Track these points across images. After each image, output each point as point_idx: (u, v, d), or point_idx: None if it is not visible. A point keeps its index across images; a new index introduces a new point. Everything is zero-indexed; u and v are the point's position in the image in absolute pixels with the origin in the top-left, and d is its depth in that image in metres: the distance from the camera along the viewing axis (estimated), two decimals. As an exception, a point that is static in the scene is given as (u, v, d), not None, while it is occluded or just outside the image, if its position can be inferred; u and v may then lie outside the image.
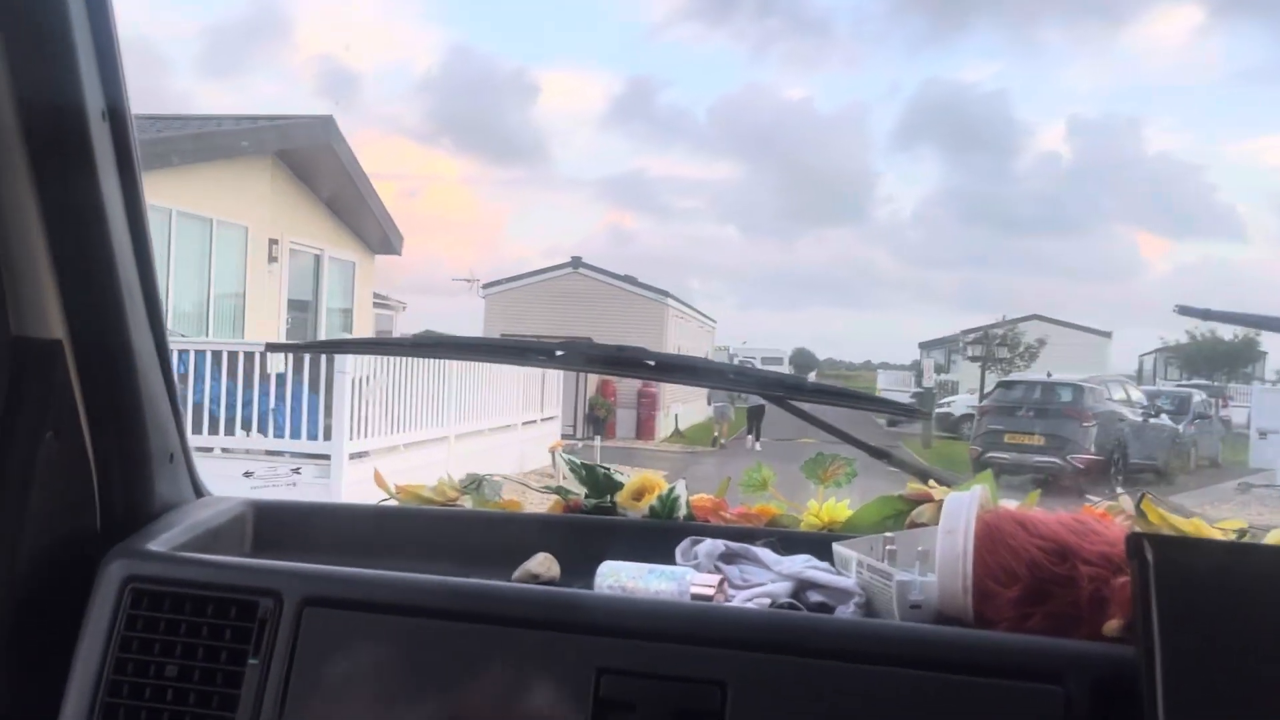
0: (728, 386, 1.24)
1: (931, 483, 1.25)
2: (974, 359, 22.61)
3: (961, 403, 22.70)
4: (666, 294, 23.08)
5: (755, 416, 17.36)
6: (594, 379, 18.28)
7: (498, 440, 11.48)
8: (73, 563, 1.06)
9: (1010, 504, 1.13)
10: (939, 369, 30.16)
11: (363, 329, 13.83)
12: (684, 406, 21.91)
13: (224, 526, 1.22)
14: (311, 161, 11.77)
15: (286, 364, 8.17)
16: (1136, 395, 15.51)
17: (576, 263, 23.24)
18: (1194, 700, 0.83)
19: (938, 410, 21.93)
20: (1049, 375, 15.95)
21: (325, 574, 1.05)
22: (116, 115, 1.03)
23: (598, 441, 12.32)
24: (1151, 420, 14.68)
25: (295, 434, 8.24)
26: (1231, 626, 0.86)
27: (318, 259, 12.77)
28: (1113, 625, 0.96)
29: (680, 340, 23.56)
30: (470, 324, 22.11)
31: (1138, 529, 1.09)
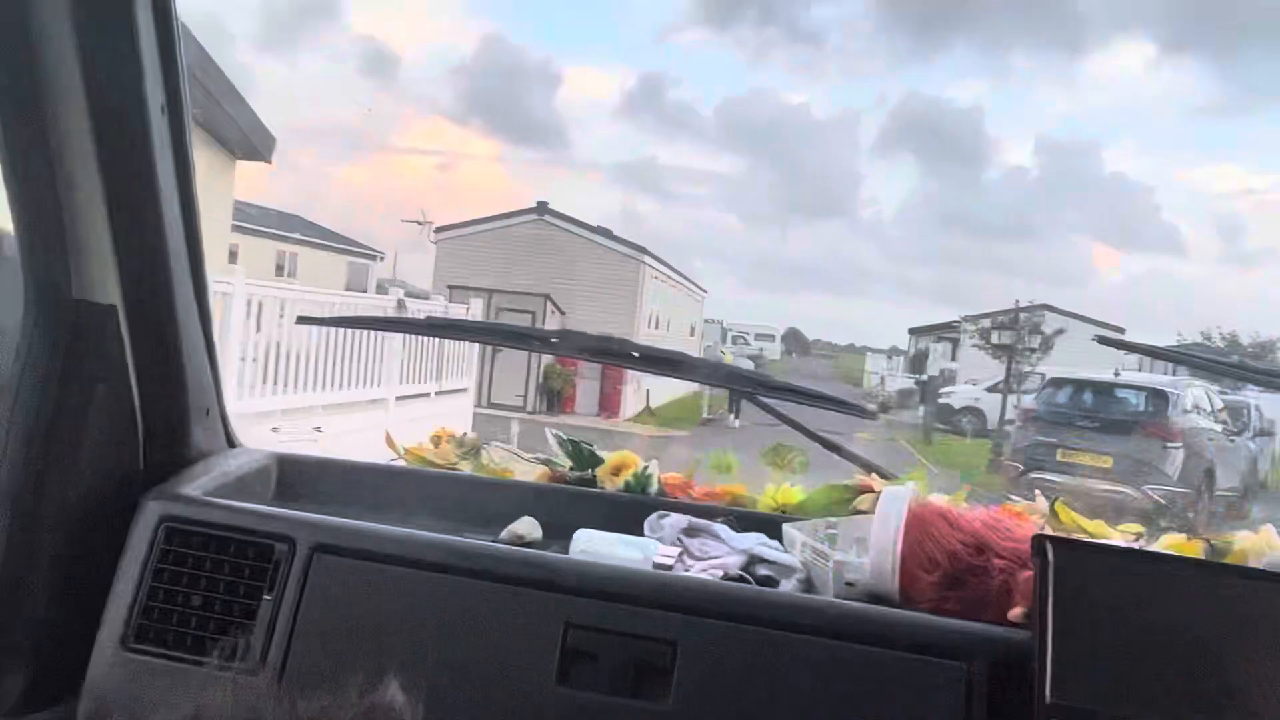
0: (703, 380, 1.29)
1: (874, 475, 1.31)
2: (991, 346, 19.20)
3: (963, 394, 19.47)
4: (644, 251, 19.29)
5: (737, 395, 15.58)
6: None
7: (350, 421, 7.55)
8: (116, 500, 1.11)
9: (939, 498, 1.19)
10: (920, 358, 27.61)
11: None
12: (657, 380, 17.70)
13: (251, 475, 1.27)
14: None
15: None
16: (1212, 403, 10.74)
17: (542, 209, 19.38)
18: (1075, 684, 0.90)
19: (940, 401, 18.98)
20: (1117, 373, 11.26)
21: (335, 525, 1.10)
22: (174, 108, 1.07)
23: (514, 428, 8.02)
24: (1236, 439, 10.48)
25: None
26: (1116, 622, 0.93)
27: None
28: (1016, 613, 1.03)
29: (661, 306, 20.35)
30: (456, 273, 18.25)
31: (1049, 529, 1.15)
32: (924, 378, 23.27)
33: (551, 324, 15.32)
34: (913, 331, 32.07)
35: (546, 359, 15.17)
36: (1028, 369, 17.26)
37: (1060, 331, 18.17)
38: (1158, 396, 10.23)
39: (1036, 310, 18.94)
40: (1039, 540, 0.96)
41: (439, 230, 19.63)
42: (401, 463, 1.43)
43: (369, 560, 1.06)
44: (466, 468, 1.40)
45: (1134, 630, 0.92)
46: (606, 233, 19.43)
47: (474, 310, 11.25)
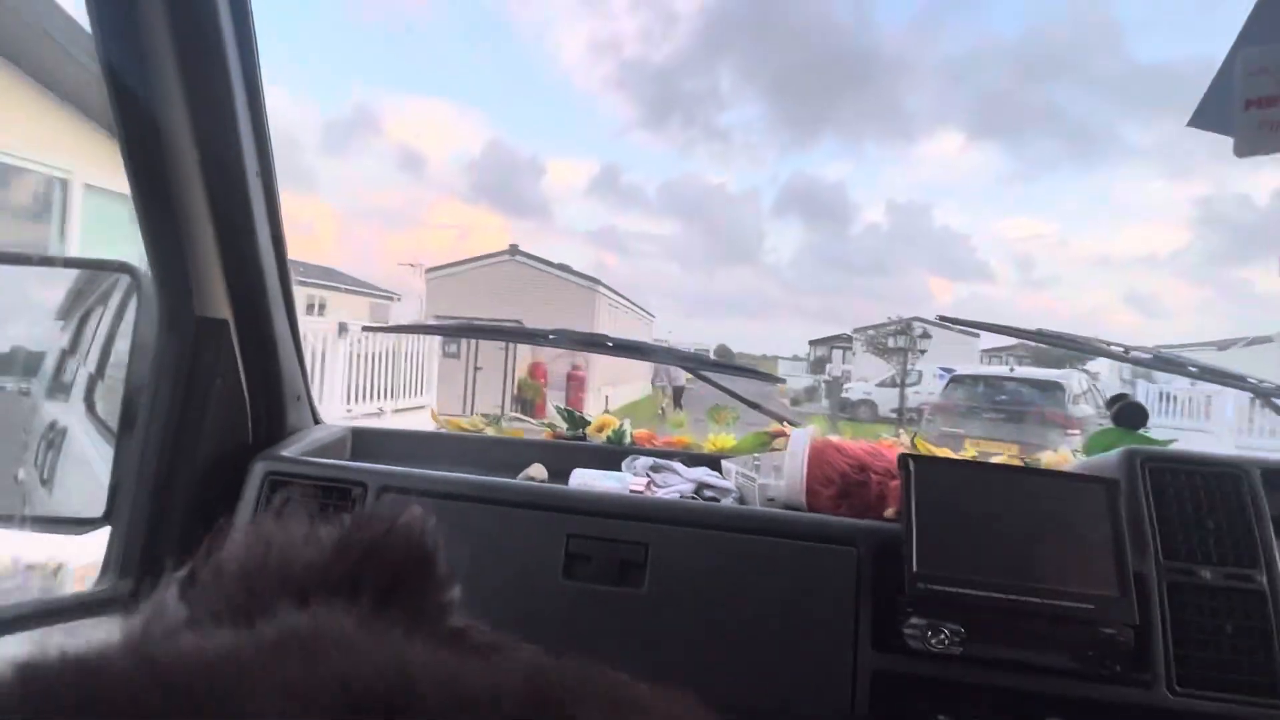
0: (662, 360, 1.31)
1: (785, 424, 1.33)
2: (887, 350, 18.55)
3: (858, 389, 18.96)
4: (598, 282, 17.97)
5: (678, 394, 15.77)
6: (524, 363, 14.03)
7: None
8: (232, 463, 1.11)
9: (834, 437, 1.20)
10: (820, 362, 28.08)
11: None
12: (613, 389, 17.19)
13: (332, 442, 1.27)
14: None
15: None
16: (1092, 385, 9.35)
17: (514, 250, 17.97)
18: (932, 559, 0.92)
19: (841, 396, 18.38)
20: (1012, 369, 10.04)
21: (397, 471, 1.10)
22: (266, 173, 1.07)
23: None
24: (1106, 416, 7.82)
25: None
26: (959, 513, 0.94)
27: (62, 185, 5.27)
28: (889, 512, 1.06)
29: (615, 326, 18.42)
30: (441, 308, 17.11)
31: (908, 453, 1.17)
32: (829, 377, 22.59)
33: (523, 345, 13.66)
34: (812, 342, 32.71)
35: (520, 375, 14.33)
36: (910, 366, 16.82)
37: (928, 335, 17.29)
38: (1053, 387, 8.73)
39: (907, 322, 18.07)
40: (903, 458, 0.98)
41: (429, 270, 18.17)
42: (442, 430, 1.43)
43: (423, 497, 1.05)
44: (490, 432, 1.40)
45: (971, 518, 0.94)
46: (566, 268, 18.24)
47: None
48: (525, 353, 14.27)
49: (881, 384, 18.62)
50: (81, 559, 1.11)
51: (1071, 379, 8.90)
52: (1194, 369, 1.17)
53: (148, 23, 0.89)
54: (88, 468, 1.28)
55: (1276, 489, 0.98)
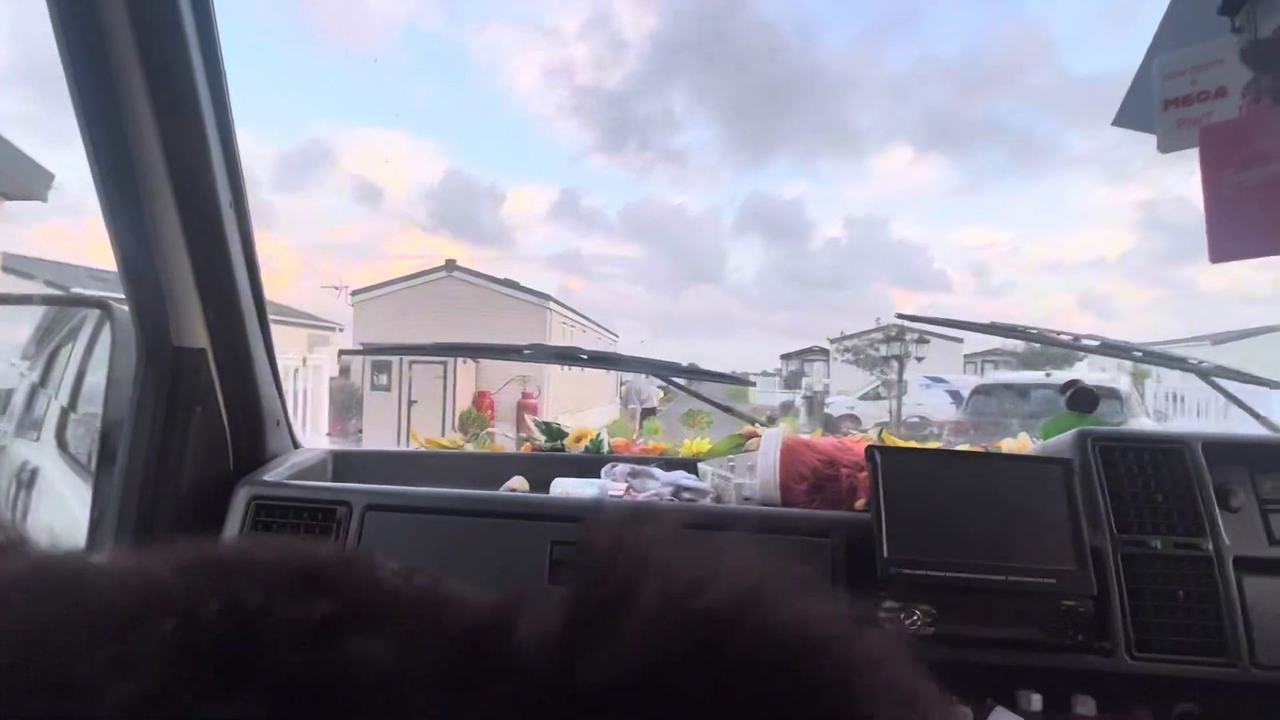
0: (636, 370, 1.35)
1: (756, 425, 1.38)
2: (877, 359, 17.51)
3: (839, 403, 17.62)
4: (548, 298, 16.33)
5: (649, 415, 14.83)
6: (467, 394, 13.17)
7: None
8: (215, 490, 1.13)
9: (804, 436, 1.26)
10: (795, 376, 26.94)
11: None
12: (573, 416, 15.06)
13: (313, 466, 1.29)
14: None
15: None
16: (1129, 388, 7.43)
17: (451, 266, 16.23)
18: (901, 544, 0.96)
19: (824, 412, 16.97)
20: (1048, 374, 8.28)
21: (380, 490, 1.12)
22: (239, 202, 1.10)
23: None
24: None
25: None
26: (925, 499, 0.99)
27: None
28: (859, 504, 1.11)
29: (573, 344, 16.47)
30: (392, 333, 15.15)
31: (874, 445, 1.22)
32: (808, 392, 20.74)
33: (464, 372, 13.35)
34: (784, 356, 32.34)
35: (463, 407, 13.36)
36: (893, 376, 16.11)
37: (922, 340, 16.26)
38: (1108, 395, 6.19)
39: (899, 327, 16.81)
40: (870, 450, 1.03)
41: (355, 293, 16.44)
42: (422, 448, 1.45)
43: (407, 513, 1.08)
44: (470, 448, 1.43)
45: (937, 504, 0.98)
46: (513, 284, 16.48)
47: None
48: (466, 384, 13.56)
49: (864, 397, 17.73)
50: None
51: (1121, 382, 7.14)
52: (1138, 354, 1.26)
53: (119, 59, 0.93)
54: (62, 503, 1.29)
55: (1217, 461, 1.06)
